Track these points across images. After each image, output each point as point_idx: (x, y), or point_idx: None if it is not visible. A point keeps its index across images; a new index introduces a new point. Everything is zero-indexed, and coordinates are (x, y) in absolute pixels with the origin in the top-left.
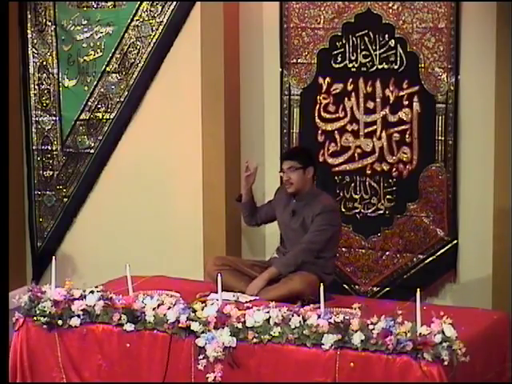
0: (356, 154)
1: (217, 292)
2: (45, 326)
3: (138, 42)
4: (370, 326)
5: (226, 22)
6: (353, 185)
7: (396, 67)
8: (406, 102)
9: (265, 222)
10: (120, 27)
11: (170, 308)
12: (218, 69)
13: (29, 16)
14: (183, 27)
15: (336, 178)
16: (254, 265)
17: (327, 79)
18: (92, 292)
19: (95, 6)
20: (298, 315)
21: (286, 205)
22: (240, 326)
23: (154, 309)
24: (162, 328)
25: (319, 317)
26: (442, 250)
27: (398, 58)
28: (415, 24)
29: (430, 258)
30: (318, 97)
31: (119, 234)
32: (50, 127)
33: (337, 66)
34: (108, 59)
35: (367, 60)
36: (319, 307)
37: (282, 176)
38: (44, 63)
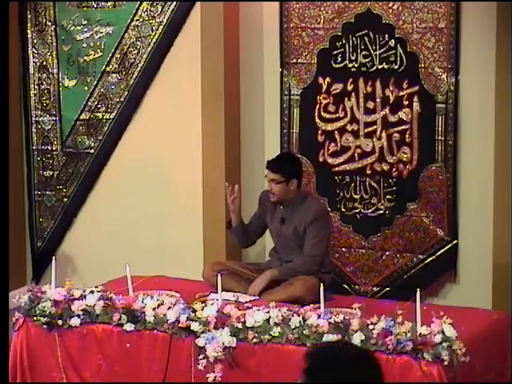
0: (356, 154)
1: (217, 292)
2: (45, 326)
3: (138, 42)
4: (370, 326)
5: (226, 22)
6: (353, 185)
7: (396, 67)
8: (406, 102)
9: (261, 235)
10: (120, 27)
11: (170, 308)
12: (217, 69)
13: (29, 16)
14: (183, 27)
15: (336, 177)
16: (252, 267)
17: (327, 79)
18: (92, 292)
19: (95, 6)
20: (298, 315)
21: (273, 211)
22: (240, 326)
23: (154, 309)
24: (162, 328)
25: (319, 317)
26: (442, 250)
27: (398, 58)
28: (415, 24)
29: (430, 258)
30: (318, 97)
31: (119, 234)
32: (50, 127)
33: (337, 66)
34: (108, 59)
35: (367, 60)
36: (319, 307)
37: (266, 183)
38: (44, 63)
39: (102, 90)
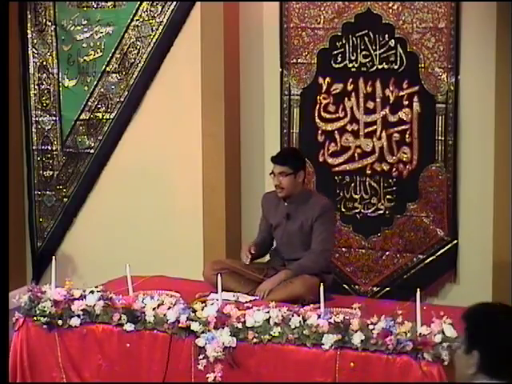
0: (356, 154)
1: (216, 292)
2: (45, 326)
3: (138, 42)
4: (370, 326)
5: (226, 21)
6: (353, 185)
7: (396, 67)
8: (406, 102)
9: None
10: (120, 27)
11: (170, 308)
12: (218, 69)
13: (29, 16)
14: (183, 27)
15: (336, 177)
16: (252, 267)
17: (327, 79)
18: (92, 292)
19: (95, 6)
20: (298, 315)
21: (276, 208)
22: (240, 326)
23: (154, 309)
24: (162, 328)
25: (319, 317)
26: (442, 250)
27: (398, 58)
28: (415, 24)
29: (430, 258)
30: (318, 97)
31: (119, 234)
32: (50, 127)
33: (337, 66)
34: (108, 59)
35: (367, 60)
36: (319, 307)
37: (272, 179)
38: (44, 63)
39: (102, 90)
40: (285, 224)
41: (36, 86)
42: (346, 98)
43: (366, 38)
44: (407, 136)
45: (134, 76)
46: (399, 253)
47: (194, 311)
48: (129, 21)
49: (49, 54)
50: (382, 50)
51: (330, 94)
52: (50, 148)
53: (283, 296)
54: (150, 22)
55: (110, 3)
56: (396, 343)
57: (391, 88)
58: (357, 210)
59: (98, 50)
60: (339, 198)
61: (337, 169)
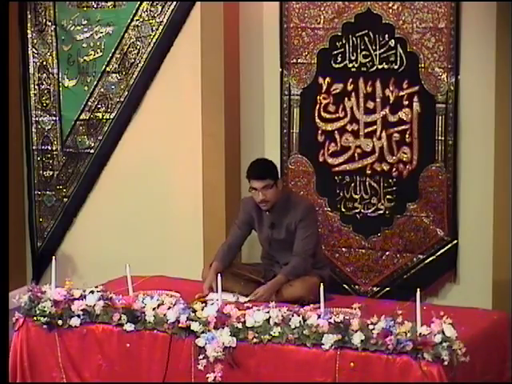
0: (356, 154)
1: (216, 292)
2: (45, 326)
3: (138, 42)
4: (370, 326)
5: (226, 21)
6: (353, 185)
7: (396, 67)
8: (406, 102)
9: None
10: (120, 27)
11: (170, 308)
12: (218, 69)
13: (29, 16)
14: (183, 27)
15: (336, 177)
16: (251, 268)
17: (327, 79)
18: (92, 292)
19: (95, 6)
20: (298, 315)
21: (259, 217)
22: (240, 326)
23: (154, 309)
24: (162, 328)
25: (319, 317)
26: (442, 250)
27: (398, 58)
28: (415, 24)
29: (430, 258)
30: (318, 97)
31: (119, 234)
32: (49, 127)
33: (337, 66)
34: (108, 59)
35: (367, 60)
36: (319, 307)
37: (254, 194)
38: (44, 63)
39: (102, 90)
40: (271, 233)
41: (36, 86)
42: (346, 98)
43: (366, 38)
44: (407, 136)
45: (134, 76)
46: (399, 253)
47: (194, 311)
48: (129, 21)
49: (49, 53)
50: (382, 50)
51: (330, 94)
52: (50, 148)
53: (284, 298)
54: (150, 21)
55: (110, 3)
56: (396, 343)
57: (391, 88)
58: (357, 210)
59: (98, 50)
60: (339, 197)
61: (337, 169)
